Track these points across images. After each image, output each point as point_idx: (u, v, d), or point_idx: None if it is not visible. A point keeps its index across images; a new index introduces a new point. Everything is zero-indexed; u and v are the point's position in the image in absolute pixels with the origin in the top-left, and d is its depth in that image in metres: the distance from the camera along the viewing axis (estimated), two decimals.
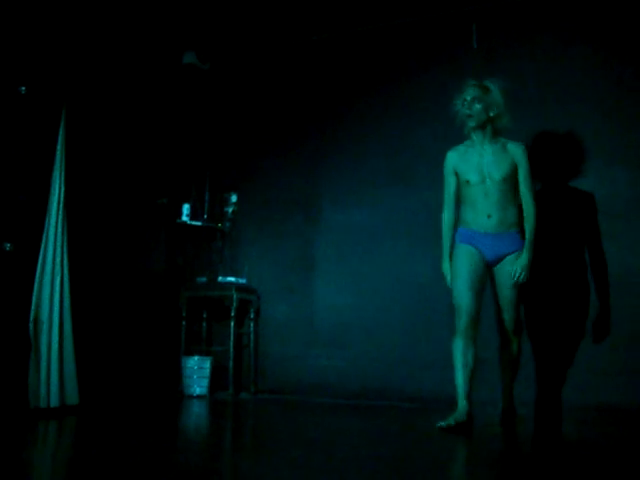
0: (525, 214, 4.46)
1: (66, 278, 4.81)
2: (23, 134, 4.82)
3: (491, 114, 4.45)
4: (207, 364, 6.13)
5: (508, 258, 4.48)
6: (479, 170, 4.48)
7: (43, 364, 4.69)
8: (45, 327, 4.70)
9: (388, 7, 5.43)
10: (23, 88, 4.81)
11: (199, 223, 6.58)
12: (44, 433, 4.14)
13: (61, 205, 4.82)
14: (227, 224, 6.55)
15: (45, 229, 4.78)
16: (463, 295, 4.43)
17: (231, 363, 6.11)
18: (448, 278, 4.56)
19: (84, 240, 5.14)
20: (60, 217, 4.81)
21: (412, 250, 5.88)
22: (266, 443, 3.80)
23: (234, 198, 6.49)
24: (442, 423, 4.15)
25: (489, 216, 4.45)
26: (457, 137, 5.18)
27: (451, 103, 4.54)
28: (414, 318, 5.64)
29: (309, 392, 5.92)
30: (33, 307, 4.68)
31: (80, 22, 5.13)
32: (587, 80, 5.17)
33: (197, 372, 6.09)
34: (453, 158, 4.59)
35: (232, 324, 6.17)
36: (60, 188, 4.83)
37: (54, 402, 4.69)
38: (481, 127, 4.48)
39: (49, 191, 4.83)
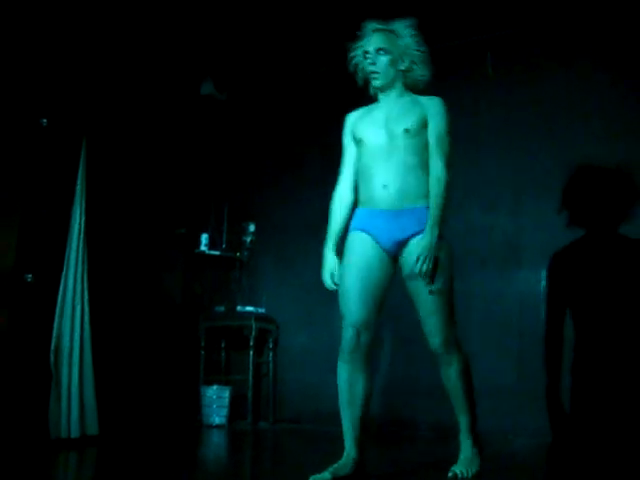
0: (431, 179, 3.34)
1: (86, 308, 4.84)
2: (44, 165, 4.87)
3: (402, 67, 3.50)
4: (226, 393, 6.12)
5: (413, 243, 3.32)
6: (377, 125, 3.44)
7: (64, 394, 4.70)
8: (66, 357, 4.73)
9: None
10: (45, 120, 4.87)
11: (217, 253, 6.60)
12: (65, 464, 4.16)
13: (81, 235, 4.86)
14: (245, 253, 6.56)
15: (66, 259, 4.81)
16: (348, 302, 3.36)
17: (250, 392, 6.09)
18: (326, 278, 3.48)
19: (104, 270, 5.18)
20: (80, 247, 4.85)
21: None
22: (286, 474, 3.79)
23: (252, 227, 6.51)
24: (314, 478, 3.14)
25: (384, 186, 3.34)
26: (474, 158, 5.22)
27: (352, 60, 3.56)
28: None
29: (328, 421, 5.88)
30: (54, 337, 4.70)
31: (100, 55, 5.20)
32: (613, 106, 4.96)
33: (216, 401, 6.08)
34: (352, 118, 3.59)
35: (251, 353, 6.15)
36: (80, 218, 4.87)
37: (74, 433, 4.70)
38: (388, 86, 3.50)
39: (69, 222, 4.86)
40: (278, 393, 6.37)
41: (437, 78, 5.52)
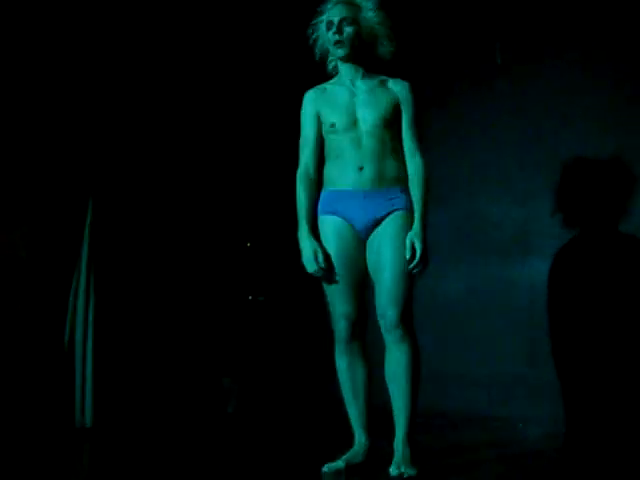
0: (410, 170, 3.40)
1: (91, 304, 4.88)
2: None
3: (367, 40, 3.43)
4: None
5: (386, 220, 3.34)
6: (349, 112, 3.39)
7: (78, 386, 4.76)
8: (79, 350, 4.79)
9: (408, 25, 5.31)
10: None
11: None
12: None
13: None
14: None
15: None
16: (336, 294, 3.36)
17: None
18: (310, 262, 3.35)
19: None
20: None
21: (443, 265, 5.87)
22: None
23: None
24: (328, 467, 3.21)
25: (361, 168, 3.33)
26: (481, 147, 5.22)
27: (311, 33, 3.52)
28: (444, 336, 5.58)
29: None
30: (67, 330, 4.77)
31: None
32: (620, 98, 4.89)
33: None
34: (313, 98, 3.50)
35: None
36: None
37: (89, 423, 4.76)
38: (352, 58, 3.43)
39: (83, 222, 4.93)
40: None
41: (445, 68, 5.57)
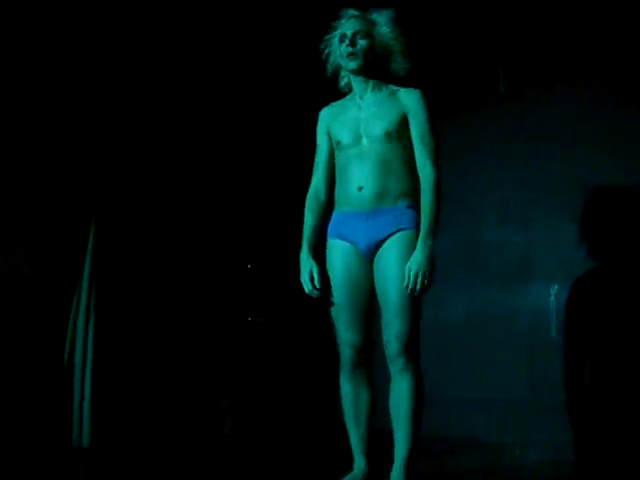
0: (422, 185, 3.20)
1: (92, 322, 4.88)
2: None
3: (381, 54, 3.31)
4: None
5: (390, 242, 3.18)
6: (353, 127, 3.26)
7: (76, 405, 4.75)
8: (78, 369, 4.79)
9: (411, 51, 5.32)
10: None
11: None
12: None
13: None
14: None
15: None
16: (341, 322, 3.26)
17: None
18: (305, 281, 3.30)
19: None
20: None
21: (444, 289, 5.87)
22: None
23: None
24: None
25: (360, 188, 3.18)
26: (484, 172, 5.24)
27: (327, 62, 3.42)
28: (444, 361, 5.57)
29: None
30: (67, 350, 4.77)
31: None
32: (624, 123, 4.89)
33: None
34: (326, 115, 3.42)
35: None
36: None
37: (86, 442, 4.75)
38: (365, 72, 3.29)
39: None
40: None
41: (448, 92, 5.60)
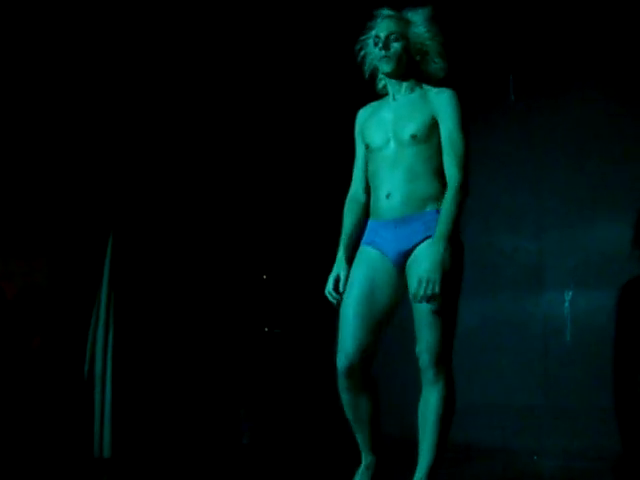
0: (448, 186, 3.05)
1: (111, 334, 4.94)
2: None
3: (417, 57, 3.19)
4: None
5: (420, 250, 3.05)
6: (383, 130, 3.17)
7: (97, 416, 4.81)
8: (98, 380, 4.84)
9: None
10: None
11: None
12: None
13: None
14: None
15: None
16: (346, 323, 3.12)
17: None
18: (329, 282, 3.24)
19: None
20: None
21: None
22: None
23: None
24: None
25: (388, 195, 3.09)
26: (497, 180, 5.25)
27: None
28: (459, 368, 5.57)
29: None
30: (87, 360, 4.83)
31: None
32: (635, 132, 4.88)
33: None
34: (362, 117, 3.35)
35: None
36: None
37: (107, 453, 4.80)
38: (399, 74, 3.19)
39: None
40: None
41: (461, 100, 5.61)
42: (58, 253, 5.02)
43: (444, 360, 3.08)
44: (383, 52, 3.15)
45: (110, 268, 4.99)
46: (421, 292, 2.93)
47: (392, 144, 3.14)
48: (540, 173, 5.15)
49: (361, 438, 3.23)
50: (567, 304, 4.92)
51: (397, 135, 3.13)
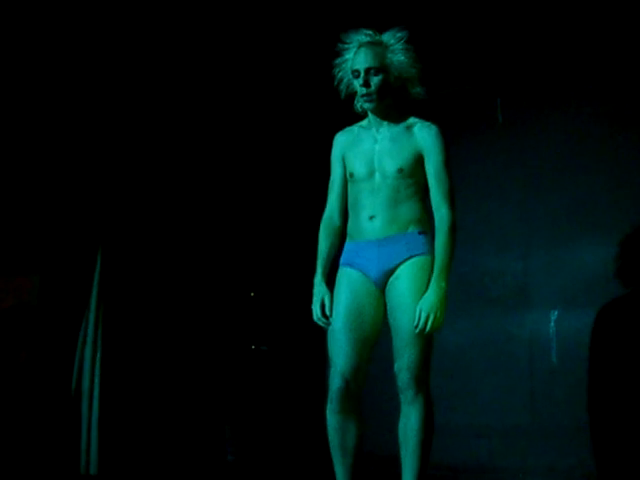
0: (437, 225, 3.14)
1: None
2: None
3: (396, 84, 3.18)
4: None
5: (402, 269, 3.12)
6: (367, 162, 3.20)
7: (83, 433, 4.80)
8: (85, 397, 4.84)
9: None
10: None
11: None
12: None
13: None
14: None
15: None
16: (337, 348, 3.14)
17: None
18: (315, 310, 3.22)
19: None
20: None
21: (445, 317, 5.89)
22: None
23: None
24: None
25: (371, 217, 3.15)
26: (485, 201, 5.28)
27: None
28: (445, 387, 5.57)
29: None
30: (74, 378, 4.82)
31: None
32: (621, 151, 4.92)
33: None
34: (342, 142, 3.33)
35: None
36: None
37: (93, 470, 4.79)
38: (382, 109, 3.22)
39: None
40: None
41: (447, 122, 5.64)
42: (48, 270, 5.01)
43: (423, 379, 3.10)
44: (364, 90, 3.15)
45: (99, 284, 4.99)
46: (421, 324, 3.01)
47: (377, 175, 3.18)
48: (527, 194, 5.18)
49: (342, 470, 3.17)
50: (553, 324, 4.95)
51: (383, 169, 3.17)
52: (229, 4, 5.25)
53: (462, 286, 5.25)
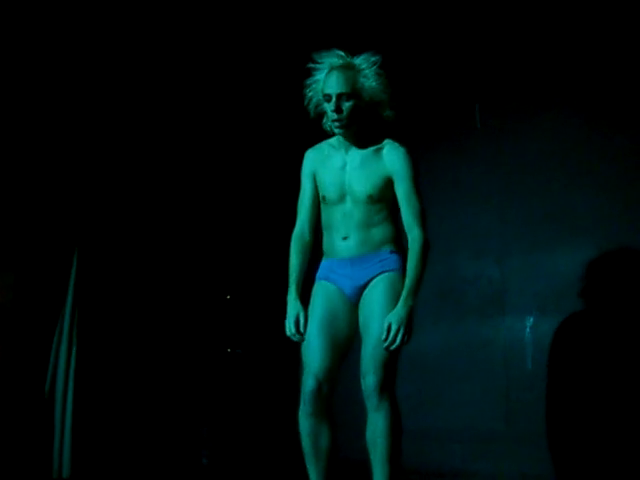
0: (410, 245, 3.21)
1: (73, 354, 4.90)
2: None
3: (367, 109, 3.22)
4: None
5: (374, 283, 3.23)
6: (339, 184, 3.27)
7: (57, 436, 4.76)
8: (59, 399, 4.80)
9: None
10: None
11: None
12: None
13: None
14: None
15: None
16: (311, 350, 3.20)
17: None
18: (290, 325, 3.27)
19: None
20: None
21: (420, 322, 5.90)
22: None
23: None
24: None
25: (345, 238, 3.24)
26: (461, 207, 5.29)
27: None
28: (420, 392, 5.58)
29: None
30: (48, 380, 4.79)
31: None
32: (598, 156, 4.96)
33: None
34: (312, 159, 3.40)
35: None
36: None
37: (66, 473, 4.76)
38: (353, 134, 3.28)
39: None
40: None
41: (425, 127, 5.66)
42: (23, 268, 4.97)
43: (388, 385, 3.14)
44: (335, 115, 3.19)
45: (74, 284, 4.95)
46: (391, 337, 3.07)
47: (348, 200, 3.27)
48: (504, 199, 5.20)
49: (315, 474, 3.20)
50: (528, 330, 4.97)
51: (353, 194, 3.25)
52: (207, 16, 5.32)
53: (438, 291, 5.27)
